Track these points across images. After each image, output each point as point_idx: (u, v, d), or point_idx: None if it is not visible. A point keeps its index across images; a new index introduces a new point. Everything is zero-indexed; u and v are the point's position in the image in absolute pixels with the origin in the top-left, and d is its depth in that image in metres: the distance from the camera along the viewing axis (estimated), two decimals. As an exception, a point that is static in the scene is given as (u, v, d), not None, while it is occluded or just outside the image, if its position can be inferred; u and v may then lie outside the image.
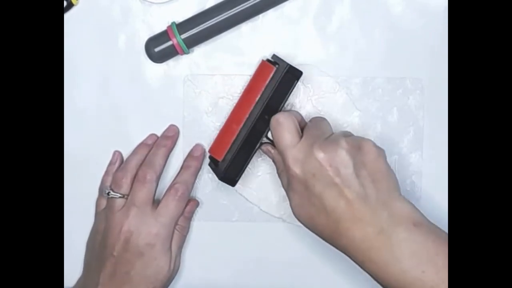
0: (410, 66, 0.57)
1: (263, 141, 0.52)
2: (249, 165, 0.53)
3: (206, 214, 0.57)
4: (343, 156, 0.46)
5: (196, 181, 0.57)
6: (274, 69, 0.52)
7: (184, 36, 0.54)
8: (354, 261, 0.47)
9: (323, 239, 0.48)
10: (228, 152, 0.52)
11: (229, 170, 0.52)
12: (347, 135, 0.50)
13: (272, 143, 0.52)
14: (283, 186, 0.51)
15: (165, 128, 0.57)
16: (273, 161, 0.53)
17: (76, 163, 0.56)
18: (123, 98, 0.57)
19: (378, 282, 0.45)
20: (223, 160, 0.52)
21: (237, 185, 0.54)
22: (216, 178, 0.53)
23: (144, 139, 0.57)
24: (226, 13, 0.54)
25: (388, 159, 0.48)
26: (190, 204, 0.56)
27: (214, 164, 0.54)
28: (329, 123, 0.52)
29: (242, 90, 0.55)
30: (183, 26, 0.54)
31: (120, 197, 0.53)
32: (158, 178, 0.54)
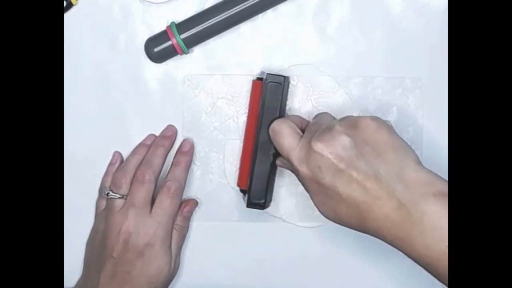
0: (410, 66, 0.56)
1: (272, 153, 0.52)
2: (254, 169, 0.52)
3: (206, 214, 0.57)
4: (340, 139, 0.45)
5: (197, 181, 0.57)
6: (261, 83, 0.52)
7: (183, 36, 0.54)
8: (386, 243, 0.45)
9: (354, 229, 0.46)
10: (248, 178, 0.53)
11: (253, 195, 0.52)
12: (342, 118, 0.48)
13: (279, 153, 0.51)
14: (306, 191, 0.50)
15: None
16: (291, 171, 0.51)
17: (76, 163, 0.56)
18: (123, 98, 0.57)
19: (414, 261, 0.44)
20: (247, 187, 0.53)
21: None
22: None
23: (143, 139, 0.57)
24: (226, 13, 0.54)
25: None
26: (189, 204, 0.56)
27: (244, 194, 0.54)
28: (330, 115, 0.51)
29: (246, 116, 0.56)
30: (182, 26, 0.54)
31: (119, 197, 0.53)
32: (157, 178, 0.54)
